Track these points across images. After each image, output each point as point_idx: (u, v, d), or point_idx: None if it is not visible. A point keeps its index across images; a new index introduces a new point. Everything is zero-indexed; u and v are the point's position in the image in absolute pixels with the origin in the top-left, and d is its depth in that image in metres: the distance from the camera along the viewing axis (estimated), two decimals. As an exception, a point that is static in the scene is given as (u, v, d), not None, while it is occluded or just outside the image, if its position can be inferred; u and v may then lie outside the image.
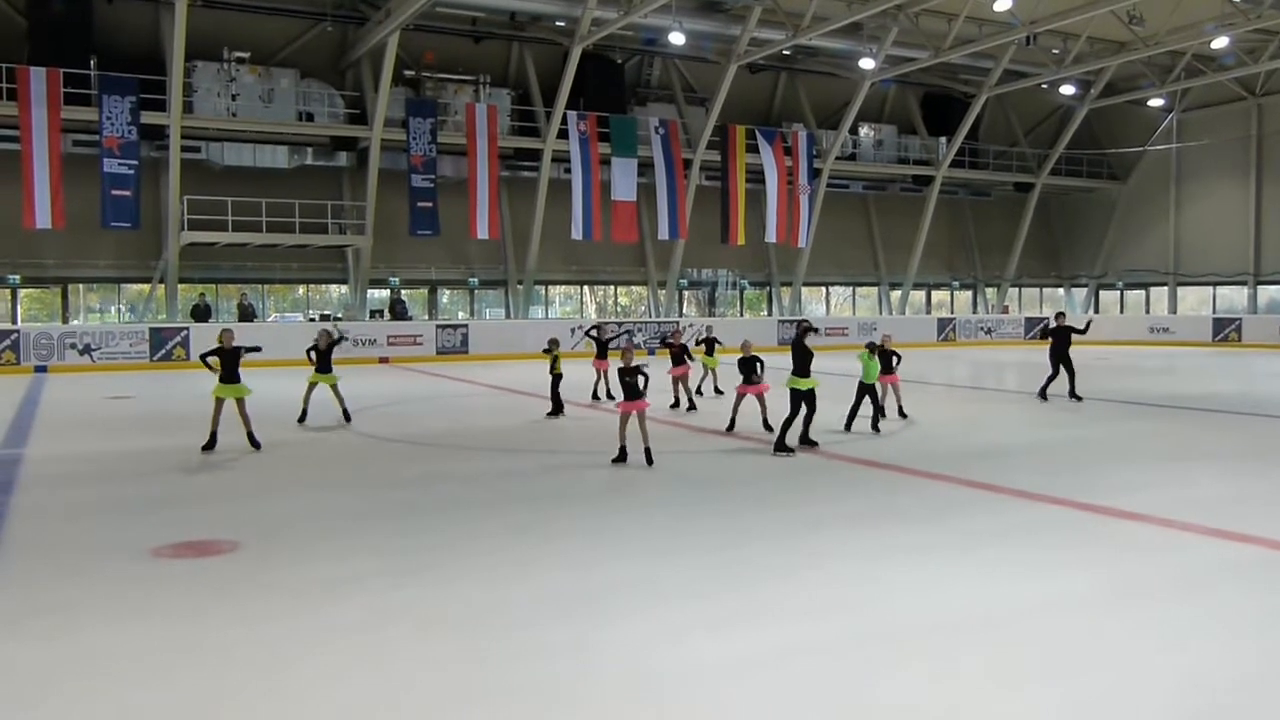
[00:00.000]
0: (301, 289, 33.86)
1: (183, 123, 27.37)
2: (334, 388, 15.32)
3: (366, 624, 5.88)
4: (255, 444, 12.44)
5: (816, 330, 13.01)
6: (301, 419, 14.95)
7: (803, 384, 11.92)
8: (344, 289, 33.03)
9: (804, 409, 11.90)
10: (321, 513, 9.01)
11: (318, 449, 13.04)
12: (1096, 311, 44.20)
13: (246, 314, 29.60)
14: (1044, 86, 37.48)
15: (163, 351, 26.19)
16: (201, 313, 28.95)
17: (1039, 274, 45.07)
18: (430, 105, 30.40)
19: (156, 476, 10.92)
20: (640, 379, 11.07)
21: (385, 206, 30.14)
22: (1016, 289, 44.68)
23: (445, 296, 35.53)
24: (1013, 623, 5.89)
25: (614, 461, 11.09)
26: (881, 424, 13.96)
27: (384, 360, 28.26)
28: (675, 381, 16.44)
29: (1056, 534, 8.10)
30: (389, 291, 32.40)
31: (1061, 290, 46.07)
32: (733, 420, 13.56)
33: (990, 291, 44.00)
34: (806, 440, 12.13)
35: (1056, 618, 5.97)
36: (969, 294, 44.32)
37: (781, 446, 11.71)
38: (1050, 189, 42.65)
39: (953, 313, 42.39)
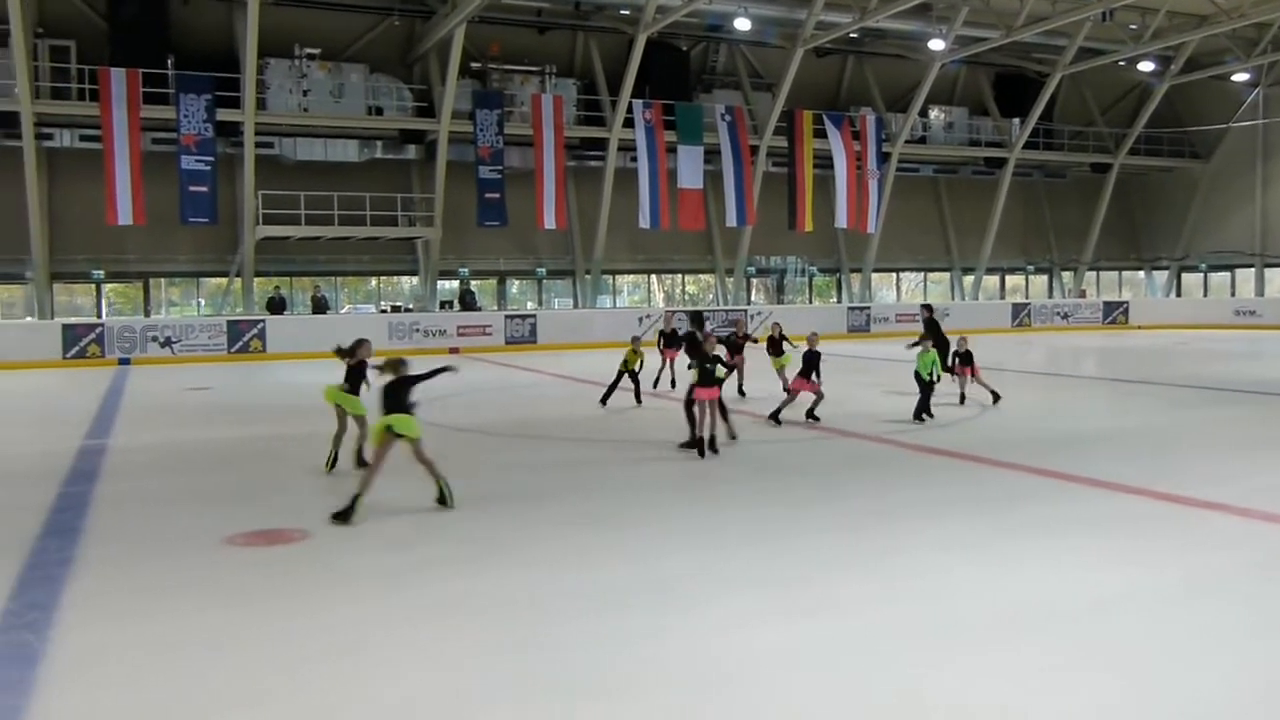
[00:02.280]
0: (373, 281, 34.37)
1: (256, 119, 27.91)
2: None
3: (431, 612, 5.94)
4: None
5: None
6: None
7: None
8: (414, 280, 33.44)
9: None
10: (390, 502, 9.12)
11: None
12: (1179, 294, 42.99)
13: (320, 306, 30.15)
14: (1121, 64, 36.47)
15: (239, 344, 26.78)
16: (276, 305, 29.55)
17: (1117, 257, 43.94)
18: (497, 97, 30.59)
19: (234, 466, 11.17)
20: (719, 367, 11.04)
21: (453, 198, 30.43)
22: (1094, 273, 43.61)
23: (514, 287, 35.80)
24: (1082, 616, 5.74)
25: (690, 448, 11.00)
26: (959, 411, 13.73)
27: (454, 350, 28.56)
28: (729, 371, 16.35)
29: (1133, 524, 7.88)
30: (458, 282, 32.75)
31: (1141, 273, 44.89)
32: (777, 412, 13.23)
33: (1066, 276, 43.01)
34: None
35: (1127, 611, 5.81)
36: (1044, 278, 43.38)
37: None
38: (1129, 169, 41.51)
39: (1027, 298, 41.53)
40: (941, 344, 15.02)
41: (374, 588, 6.45)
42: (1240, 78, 38.19)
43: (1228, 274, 41.90)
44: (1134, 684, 4.81)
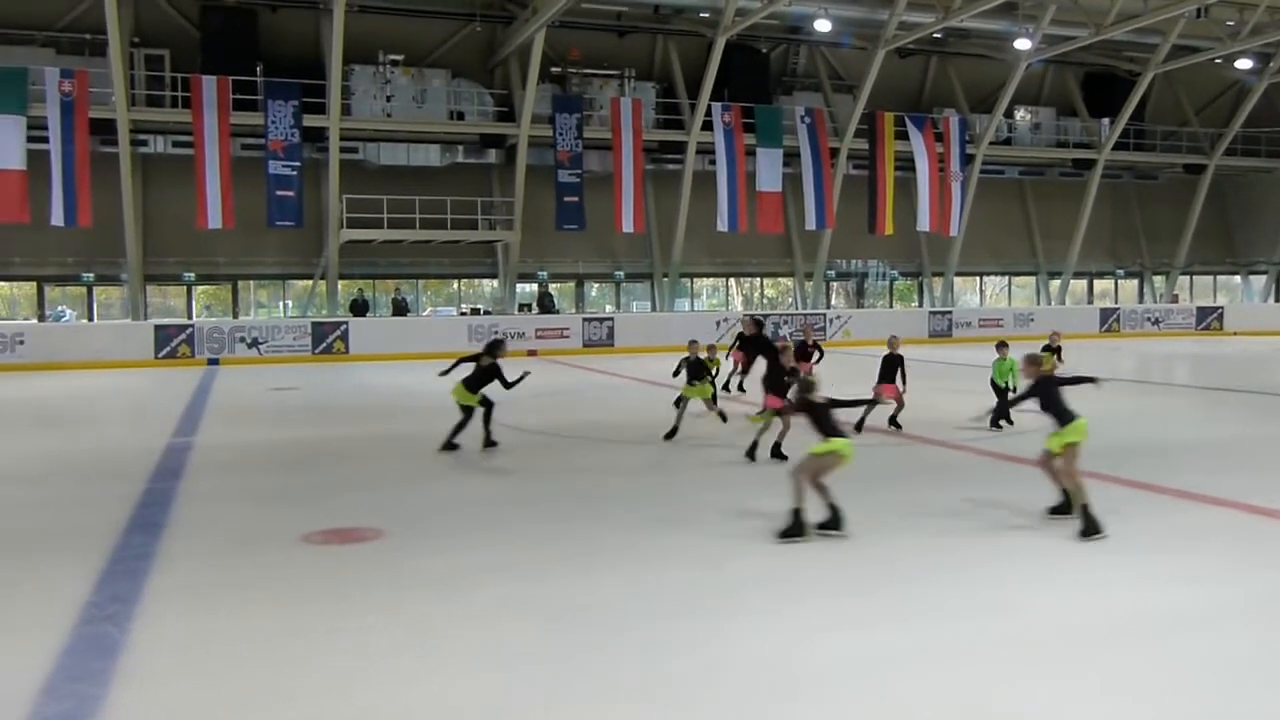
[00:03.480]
0: (454, 284, 34.81)
1: (341, 125, 28.47)
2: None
3: (499, 613, 5.97)
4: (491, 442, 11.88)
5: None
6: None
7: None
8: (494, 283, 33.79)
9: None
10: (465, 503, 9.20)
11: (466, 440, 13.33)
12: (1278, 300, 41.44)
13: (401, 308, 30.64)
14: (1217, 61, 35.27)
15: (323, 345, 27.32)
16: (360, 308, 30.10)
17: (1212, 261, 42.50)
18: (576, 101, 30.76)
19: (314, 465, 11.39)
20: (794, 377, 11.02)
21: (533, 202, 30.68)
22: (1187, 277, 42.27)
23: (592, 290, 35.96)
24: (1165, 635, 5.55)
25: (774, 457, 10.93)
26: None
27: (532, 353, 28.75)
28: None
29: (1220, 538, 7.60)
30: (537, 285, 33.00)
31: (1237, 278, 43.37)
32: (861, 420, 13.03)
33: (1158, 280, 41.73)
34: None
35: (1211, 631, 5.59)
36: (1134, 283, 42.16)
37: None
38: (1224, 170, 40.13)
39: (1117, 303, 40.37)
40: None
41: (443, 589, 6.50)
42: (1345, 74, 36.68)
43: (1330, 279, 40.27)
44: (1213, 698, 4.62)
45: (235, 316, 30.66)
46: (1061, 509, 7.80)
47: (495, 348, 11.83)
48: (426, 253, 31.72)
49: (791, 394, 10.69)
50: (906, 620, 5.79)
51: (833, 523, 7.55)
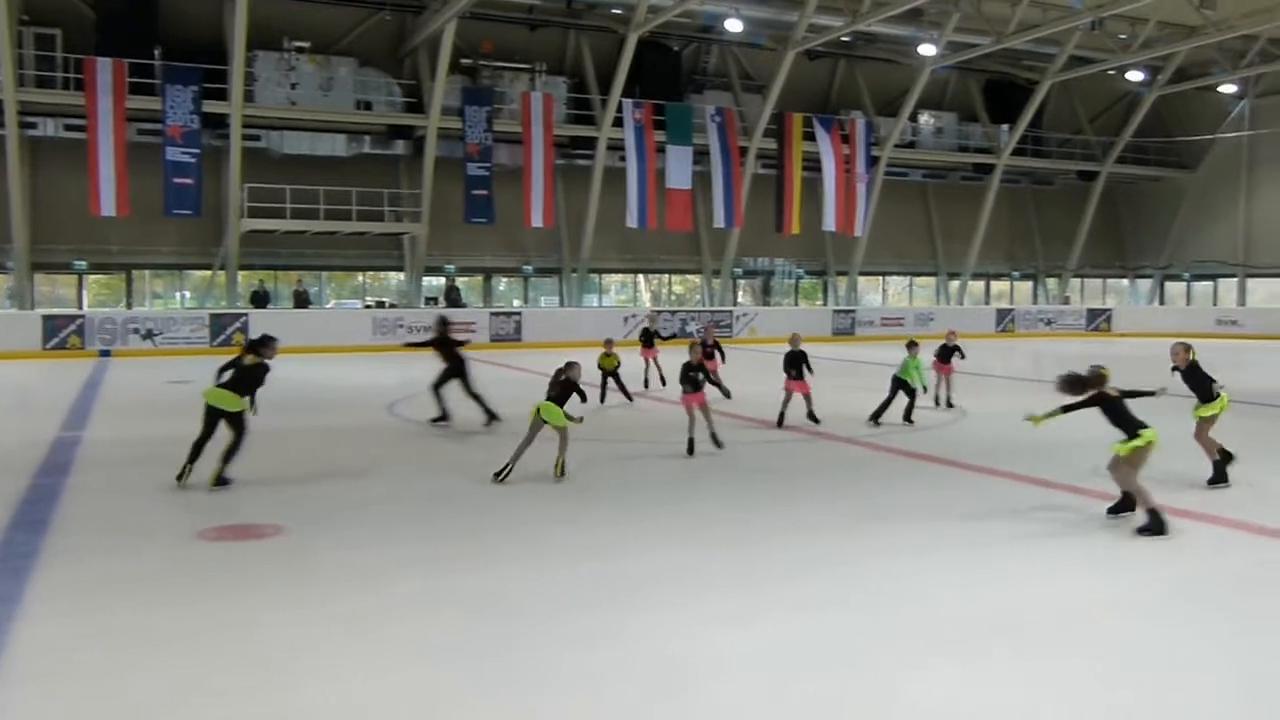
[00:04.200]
0: (359, 276, 34.23)
1: (244, 111, 27.77)
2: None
3: (405, 610, 5.90)
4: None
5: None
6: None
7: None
8: (400, 276, 33.31)
9: None
10: (368, 499, 9.05)
11: (366, 436, 13.14)
12: (1162, 303, 43.17)
13: (303, 301, 30.01)
14: (1110, 73, 36.59)
15: (222, 337, 26.62)
16: (260, 299, 29.40)
17: (1103, 264, 44.10)
18: (486, 94, 30.50)
19: (209, 460, 11.06)
20: (700, 374, 11.19)
21: (441, 194, 30.34)
22: (1078, 279, 43.76)
23: (500, 284, 35.71)
24: (1068, 623, 5.73)
25: (688, 453, 11.05)
26: (935, 414, 13.75)
27: (438, 347, 28.43)
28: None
29: (1116, 532, 7.87)
30: (444, 279, 32.64)
31: (1125, 281, 45.06)
32: (781, 415, 13.32)
33: (1051, 282, 43.15)
34: None
35: (1102, 617, 5.80)
36: (1029, 284, 43.50)
37: None
38: (1116, 177, 41.66)
39: (1012, 303, 41.61)
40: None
41: (345, 585, 6.39)
42: (1227, 89, 38.39)
43: (1211, 283, 42.10)
44: (1106, 689, 4.79)
45: (129, 307, 29.66)
46: (1120, 508, 8.11)
47: (262, 345, 9.90)
48: (331, 244, 31.14)
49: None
50: (811, 612, 5.88)
51: (1155, 525, 7.53)
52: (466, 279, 34.02)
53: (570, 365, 9.90)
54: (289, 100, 29.12)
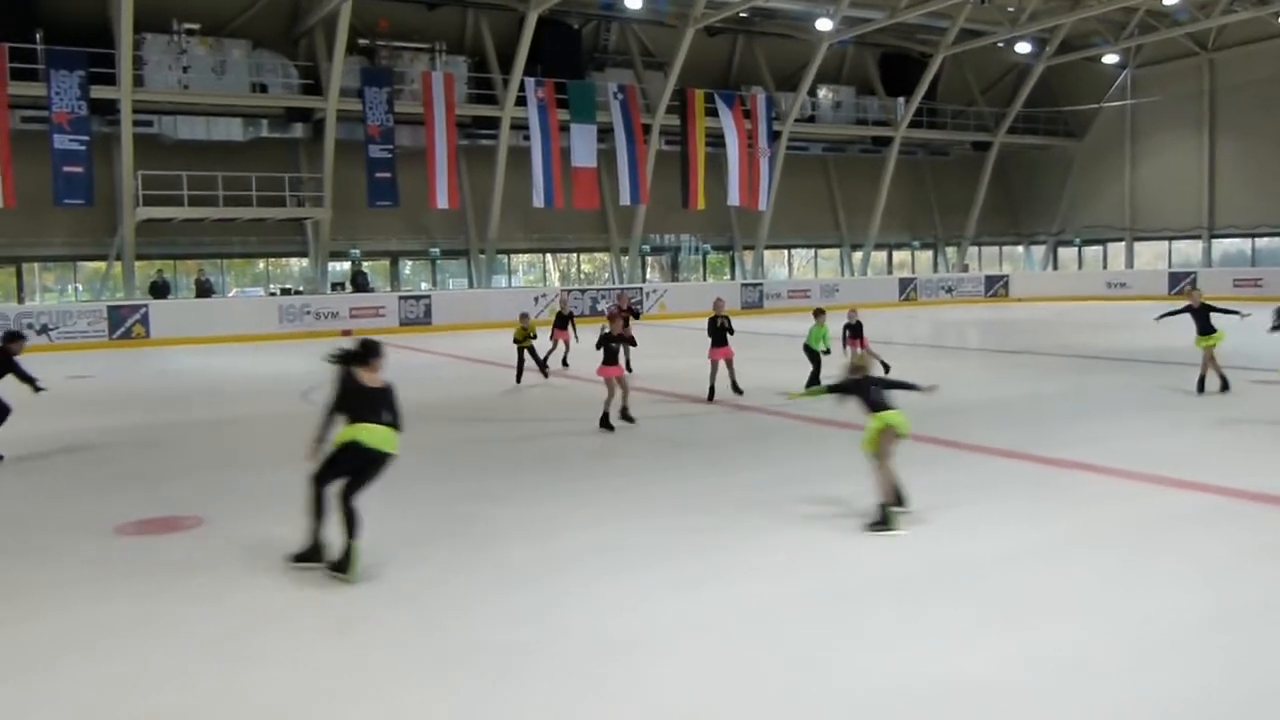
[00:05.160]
0: (261, 263, 33.53)
1: (134, 96, 26.91)
2: None
3: (330, 596, 5.94)
4: None
5: None
6: None
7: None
8: (304, 262, 32.74)
9: None
10: (286, 488, 8.94)
11: (279, 425, 13.00)
12: (1055, 268, 44.70)
13: (204, 290, 29.32)
14: (1000, 45, 37.64)
15: (122, 329, 25.90)
16: (160, 289, 28.64)
17: (998, 232, 45.43)
18: (386, 74, 30.07)
19: (119, 454, 10.87)
20: (618, 345, 11.29)
21: (343, 178, 29.85)
22: (976, 248, 45.04)
23: (407, 267, 35.33)
24: (977, 575, 6.05)
25: (602, 427, 11.14)
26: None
27: (346, 333, 28.07)
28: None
29: (1014, 487, 8.28)
30: (350, 264, 32.19)
31: (1020, 248, 46.50)
32: (711, 389, 13.45)
33: (950, 251, 44.33)
34: None
35: (1014, 569, 6.13)
36: (929, 254, 44.62)
37: None
38: (1008, 147, 42.91)
39: (914, 273, 42.69)
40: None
41: (274, 575, 6.39)
42: (1110, 60, 39.84)
43: (1100, 248, 43.70)
44: (1023, 633, 5.10)
45: (20, 302, 28.60)
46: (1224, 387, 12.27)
47: (8, 340, 10.36)
48: (231, 231, 30.43)
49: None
50: (737, 580, 6.09)
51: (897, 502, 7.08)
52: (372, 263, 33.57)
53: (9, 336, 10.44)
54: (181, 84, 28.31)
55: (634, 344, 12.92)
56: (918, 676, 4.64)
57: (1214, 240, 39.48)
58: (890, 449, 7.14)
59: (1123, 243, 42.39)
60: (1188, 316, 12.93)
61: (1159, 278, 37.70)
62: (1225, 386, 12.84)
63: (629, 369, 15.29)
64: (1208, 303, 12.94)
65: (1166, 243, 41.35)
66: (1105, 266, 42.75)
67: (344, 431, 6.25)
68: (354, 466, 6.21)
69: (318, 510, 6.28)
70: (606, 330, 11.40)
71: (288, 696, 4.62)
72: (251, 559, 6.70)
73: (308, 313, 28.18)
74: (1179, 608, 5.44)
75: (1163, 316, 13.73)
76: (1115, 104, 41.72)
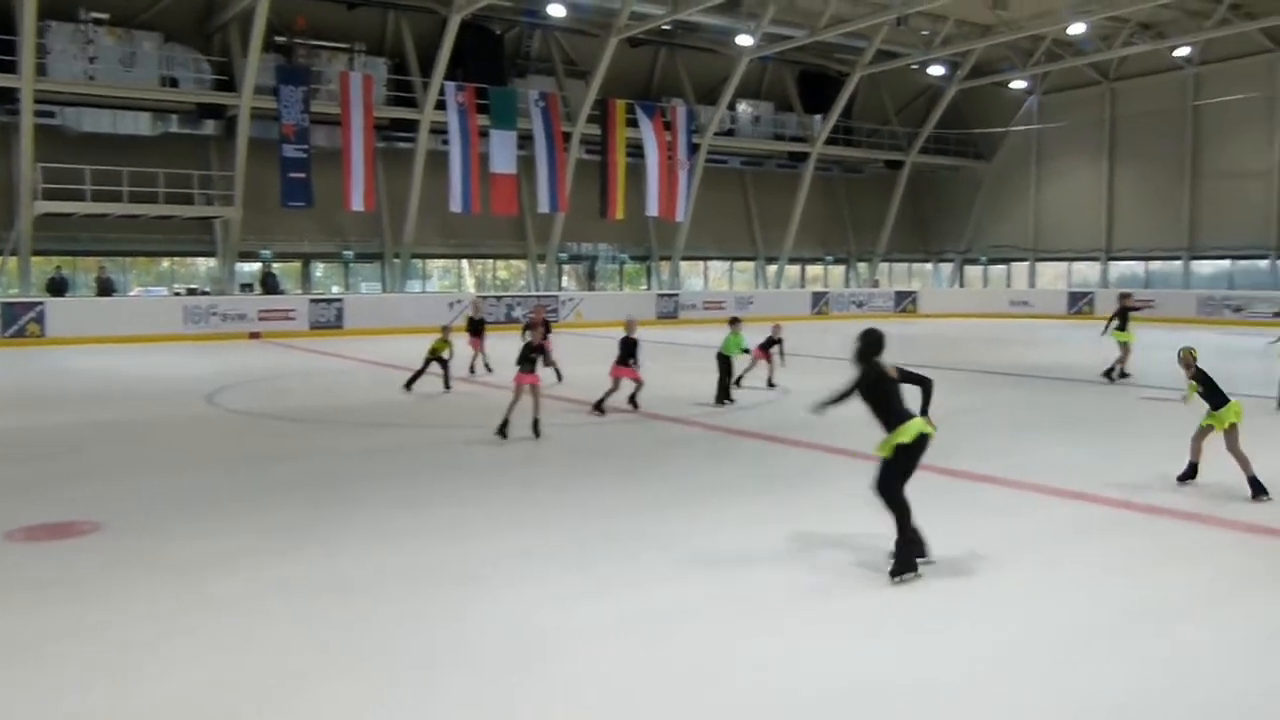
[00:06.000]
0: (166, 262, 32.63)
1: (35, 86, 25.97)
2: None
3: (242, 600, 5.82)
4: None
5: None
6: None
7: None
8: (212, 262, 31.95)
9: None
10: (192, 491, 8.79)
11: (184, 427, 12.68)
12: (962, 285, 45.85)
13: (106, 288, 28.41)
14: (914, 67, 38.57)
15: (15, 327, 24.93)
16: (58, 287, 27.66)
17: (908, 249, 46.45)
18: (303, 73, 29.55)
19: (11, 457, 10.48)
20: (540, 356, 11.26)
21: (256, 177, 29.21)
22: (887, 264, 45.98)
23: (319, 270, 34.72)
24: (876, 583, 6.16)
25: (498, 434, 11.07)
26: (760, 394, 14.33)
27: (255, 335, 27.52)
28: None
29: (922, 498, 8.41)
30: (260, 265, 31.52)
31: (929, 265, 47.59)
32: (601, 401, 13.37)
33: (862, 266, 45.18)
34: None
35: (927, 576, 6.25)
36: (842, 269, 45.42)
37: None
38: (920, 167, 43.94)
39: (826, 286, 43.37)
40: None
41: (182, 579, 6.24)
42: (1018, 85, 41.18)
43: (1005, 267, 44.99)
44: (931, 641, 5.22)
45: (-93, 295, 27.40)
46: (1187, 476, 8.66)
47: None
48: (135, 228, 29.55)
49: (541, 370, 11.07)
50: (647, 585, 6.13)
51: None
52: (284, 265, 32.92)
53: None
54: (86, 75, 27.44)
55: (549, 358, 12.80)
56: (830, 678, 4.74)
57: (1111, 262, 40.91)
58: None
59: (1026, 262, 43.69)
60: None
61: (1059, 297, 38.99)
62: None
63: (559, 377, 15.31)
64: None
65: (1067, 263, 42.73)
66: (1009, 285, 43.99)
67: (910, 427, 6.33)
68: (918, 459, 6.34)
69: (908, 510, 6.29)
70: (528, 339, 11.41)
71: (196, 704, 4.50)
72: (155, 564, 6.53)
73: (214, 314, 27.49)
74: (1085, 610, 5.64)
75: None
76: (1022, 128, 43.04)
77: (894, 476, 6.37)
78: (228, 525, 7.56)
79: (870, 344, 6.55)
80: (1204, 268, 38.47)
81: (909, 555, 6.24)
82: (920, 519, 7.58)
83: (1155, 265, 39.84)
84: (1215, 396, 8.43)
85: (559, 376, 15.25)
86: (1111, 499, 8.22)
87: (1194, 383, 8.52)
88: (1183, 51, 35.64)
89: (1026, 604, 5.82)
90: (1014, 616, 5.62)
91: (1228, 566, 6.60)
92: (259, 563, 6.58)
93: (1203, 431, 8.59)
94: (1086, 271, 42.00)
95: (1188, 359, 8.69)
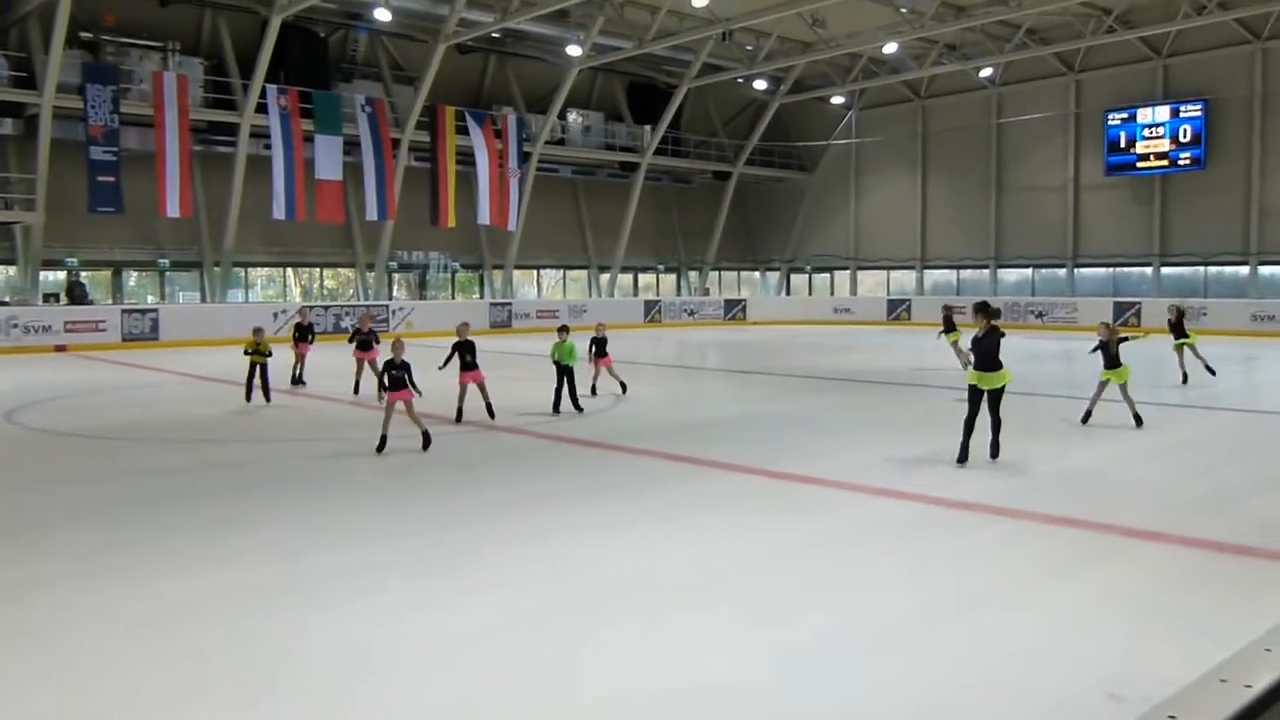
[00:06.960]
0: (-42, 270, 30.41)
1: None
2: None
3: (52, 627, 5.52)
4: None
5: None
6: None
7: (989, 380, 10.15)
8: (12, 270, 29.93)
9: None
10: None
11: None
12: (788, 293, 47.37)
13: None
14: (740, 81, 39.64)
15: None
16: None
17: (737, 258, 47.65)
18: (111, 71, 28.04)
19: None
20: (403, 373, 11.17)
21: (60, 181, 27.53)
22: (716, 272, 47.04)
23: (132, 279, 32.99)
24: (717, 581, 6.35)
25: (379, 451, 10.87)
26: (594, 402, 14.44)
27: (60, 348, 25.96)
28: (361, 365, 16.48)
29: (750, 500, 8.75)
30: (65, 274, 29.72)
31: (757, 273, 48.95)
32: (459, 410, 13.29)
33: (693, 275, 46.08)
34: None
35: (754, 574, 6.49)
36: (674, 277, 46.21)
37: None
38: (746, 178, 45.16)
39: (658, 295, 44.04)
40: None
41: (-22, 608, 5.87)
42: (837, 101, 42.91)
43: (828, 275, 46.71)
44: (767, 632, 5.41)
45: None
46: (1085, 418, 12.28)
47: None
48: (-77, 234, 27.45)
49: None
50: (487, 596, 6.12)
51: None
52: (93, 273, 31.14)
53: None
54: None
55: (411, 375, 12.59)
56: (666, 680, 4.83)
57: (926, 270, 43.04)
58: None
59: (848, 271, 45.48)
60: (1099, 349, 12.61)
61: (879, 304, 40.79)
62: (1139, 423, 12.17)
63: (417, 391, 14.95)
64: (1120, 336, 12.63)
65: (886, 272, 44.70)
66: (833, 293, 45.67)
67: (1007, 372, 10.04)
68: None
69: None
70: (390, 358, 11.25)
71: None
72: (-50, 595, 6.11)
73: (15, 326, 25.79)
74: (901, 601, 5.94)
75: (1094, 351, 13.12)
76: (841, 142, 44.82)
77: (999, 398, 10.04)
78: (31, 550, 7.13)
79: (995, 310, 10.28)
80: (1009, 275, 40.91)
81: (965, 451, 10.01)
82: (751, 518, 7.84)
83: (966, 273, 42.10)
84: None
85: (417, 392, 15.00)
86: (926, 496, 8.69)
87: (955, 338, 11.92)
88: (986, 72, 37.91)
89: (839, 601, 6.09)
90: (827, 612, 5.88)
91: (1033, 556, 7.08)
92: (67, 588, 6.23)
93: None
94: (903, 280, 44.03)
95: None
